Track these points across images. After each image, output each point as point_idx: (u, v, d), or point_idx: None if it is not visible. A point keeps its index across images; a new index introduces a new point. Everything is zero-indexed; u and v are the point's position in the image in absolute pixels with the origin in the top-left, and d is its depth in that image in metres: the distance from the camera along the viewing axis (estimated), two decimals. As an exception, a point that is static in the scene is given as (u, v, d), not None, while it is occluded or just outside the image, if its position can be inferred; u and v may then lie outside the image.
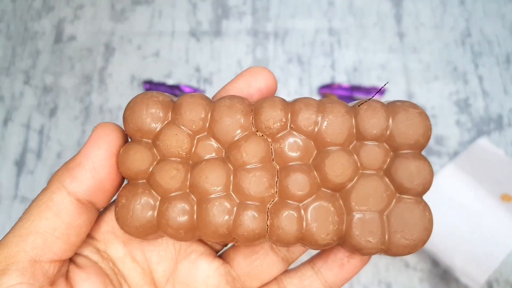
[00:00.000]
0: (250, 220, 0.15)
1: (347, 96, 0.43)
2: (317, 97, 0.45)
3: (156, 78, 0.46)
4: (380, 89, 0.43)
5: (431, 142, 0.43)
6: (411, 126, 0.15)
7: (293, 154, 0.16)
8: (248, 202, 0.15)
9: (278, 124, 0.16)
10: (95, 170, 0.16)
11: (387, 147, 0.16)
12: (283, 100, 0.16)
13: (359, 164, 0.15)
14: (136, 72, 0.47)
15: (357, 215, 0.15)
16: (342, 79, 0.46)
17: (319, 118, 0.15)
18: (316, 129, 0.15)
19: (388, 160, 0.16)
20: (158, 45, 0.48)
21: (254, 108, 0.16)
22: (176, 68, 0.47)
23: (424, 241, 0.15)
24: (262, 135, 0.16)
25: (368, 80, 0.46)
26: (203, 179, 0.15)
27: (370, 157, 0.15)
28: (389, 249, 0.15)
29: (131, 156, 0.16)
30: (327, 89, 0.44)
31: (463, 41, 0.47)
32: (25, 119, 0.45)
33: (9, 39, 0.49)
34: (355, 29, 0.48)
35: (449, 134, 0.43)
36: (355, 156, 0.15)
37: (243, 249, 0.18)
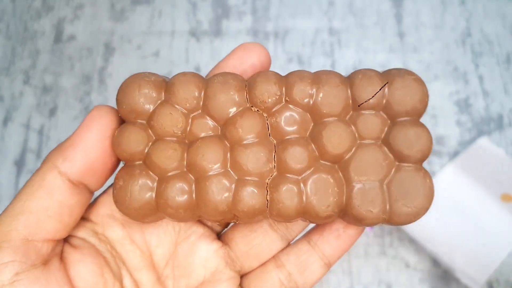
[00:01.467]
0: (250, 195, 0.15)
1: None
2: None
3: (156, 78, 0.46)
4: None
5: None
6: (408, 93, 0.15)
7: (290, 128, 0.16)
8: (247, 178, 0.15)
9: (273, 98, 0.15)
10: (86, 151, 0.15)
11: (384, 115, 0.15)
12: (277, 74, 0.16)
13: (356, 135, 0.15)
14: (136, 72, 0.47)
15: (357, 186, 0.15)
16: (342, 79, 0.46)
17: (314, 90, 0.15)
18: (311, 102, 0.15)
19: (386, 128, 0.15)
20: (158, 44, 0.48)
21: (248, 83, 0.16)
22: (176, 68, 0.47)
23: (426, 208, 0.15)
24: (258, 110, 0.16)
25: (368, 80, 0.46)
26: (200, 157, 0.15)
27: (367, 127, 0.15)
28: (391, 218, 0.15)
29: (126, 137, 0.16)
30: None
31: (463, 41, 0.47)
32: (24, 119, 0.45)
33: (9, 39, 0.49)
34: (355, 29, 0.48)
35: (449, 134, 0.43)
36: (352, 126, 0.15)
37: (242, 229, 0.18)
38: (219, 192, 0.15)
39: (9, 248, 0.14)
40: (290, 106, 0.16)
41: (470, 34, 0.48)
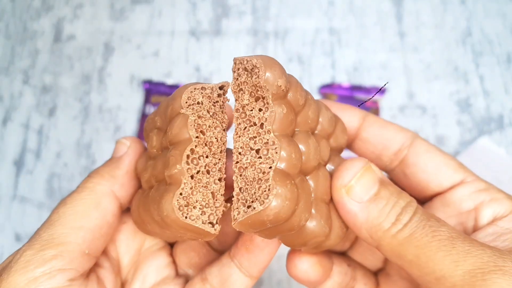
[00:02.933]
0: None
1: (348, 95, 0.43)
2: (318, 97, 0.45)
3: (156, 77, 0.46)
4: (380, 89, 0.43)
5: (432, 141, 0.43)
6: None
7: None
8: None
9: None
10: (134, 179, 0.18)
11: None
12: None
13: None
14: (136, 72, 0.46)
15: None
16: (343, 79, 0.46)
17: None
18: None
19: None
20: (158, 44, 0.48)
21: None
22: (176, 67, 0.47)
23: None
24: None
25: (368, 79, 0.45)
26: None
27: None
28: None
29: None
30: (327, 89, 0.44)
31: (463, 40, 0.47)
32: (24, 119, 0.45)
33: (8, 39, 0.49)
34: (355, 29, 0.48)
35: (450, 133, 0.43)
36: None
37: (184, 246, 0.20)
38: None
39: (69, 257, 0.16)
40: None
41: (471, 33, 0.48)
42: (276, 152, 0.15)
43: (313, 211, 0.16)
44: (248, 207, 0.15)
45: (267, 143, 0.15)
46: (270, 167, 0.14)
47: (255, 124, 0.15)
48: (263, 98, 0.15)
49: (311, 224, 0.15)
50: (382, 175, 0.17)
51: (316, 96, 0.45)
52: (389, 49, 0.47)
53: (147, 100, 0.44)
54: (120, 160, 0.18)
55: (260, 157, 0.15)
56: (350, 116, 0.19)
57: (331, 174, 0.17)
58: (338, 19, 0.48)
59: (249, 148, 0.15)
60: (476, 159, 0.40)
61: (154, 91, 0.44)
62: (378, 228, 0.15)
